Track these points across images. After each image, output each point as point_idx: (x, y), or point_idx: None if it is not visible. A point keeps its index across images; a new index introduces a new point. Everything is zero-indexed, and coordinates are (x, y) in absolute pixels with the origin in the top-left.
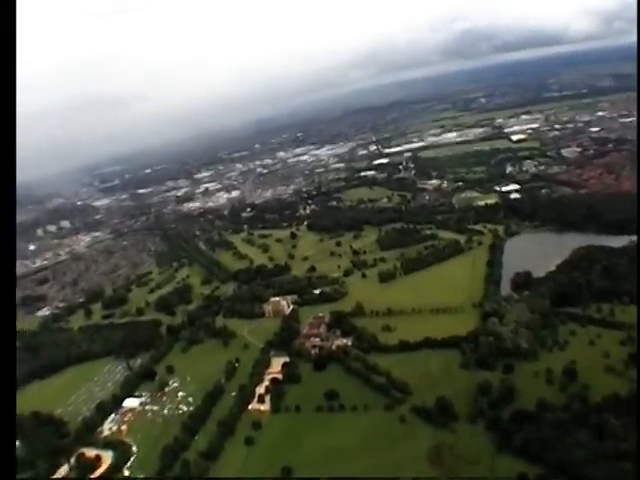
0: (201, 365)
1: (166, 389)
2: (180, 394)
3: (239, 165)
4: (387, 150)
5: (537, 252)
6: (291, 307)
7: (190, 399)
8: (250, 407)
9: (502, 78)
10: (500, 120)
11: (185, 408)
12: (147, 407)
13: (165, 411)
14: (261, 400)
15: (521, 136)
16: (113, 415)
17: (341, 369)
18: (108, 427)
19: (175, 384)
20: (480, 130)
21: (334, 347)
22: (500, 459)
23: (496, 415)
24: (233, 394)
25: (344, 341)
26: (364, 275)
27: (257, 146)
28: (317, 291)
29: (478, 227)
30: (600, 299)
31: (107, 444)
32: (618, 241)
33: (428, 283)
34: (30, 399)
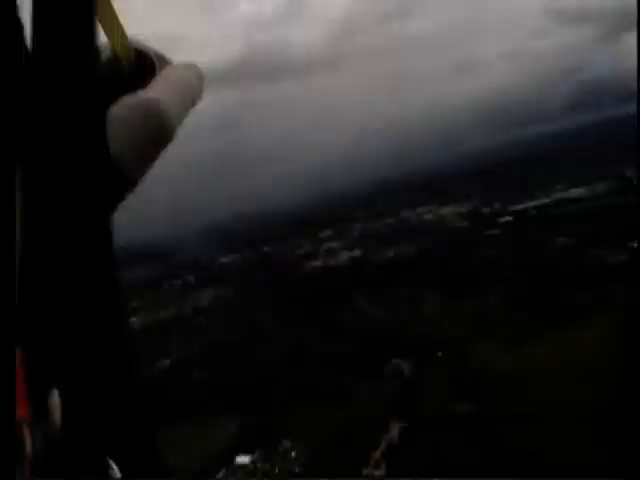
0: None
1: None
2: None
3: (361, 224)
4: (511, 208)
5: None
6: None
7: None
8: (365, 472)
9: (629, 129)
10: (629, 174)
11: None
12: (258, 464)
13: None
14: (377, 465)
15: None
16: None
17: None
18: None
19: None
20: (608, 185)
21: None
22: None
23: None
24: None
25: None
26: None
27: (380, 204)
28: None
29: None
30: None
31: None
32: None
33: (556, 349)
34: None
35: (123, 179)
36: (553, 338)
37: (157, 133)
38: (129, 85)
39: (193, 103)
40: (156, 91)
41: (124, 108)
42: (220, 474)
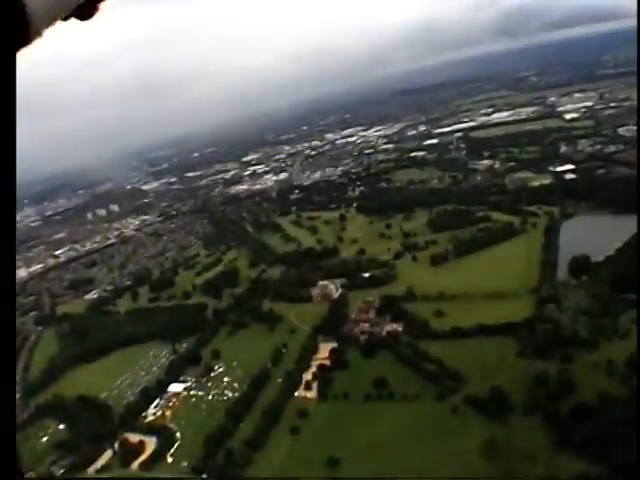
0: (247, 350)
1: (211, 374)
2: (225, 379)
3: (287, 147)
4: (437, 130)
5: (595, 235)
6: (340, 291)
7: (235, 385)
8: (296, 394)
9: (553, 56)
10: (552, 99)
11: (230, 394)
12: (192, 392)
13: (210, 397)
14: (308, 387)
15: (575, 115)
16: (158, 400)
17: (391, 356)
18: (152, 412)
19: (220, 369)
20: (532, 109)
21: (384, 333)
22: (558, 456)
23: (554, 408)
24: (279, 380)
25: (394, 327)
26: (415, 258)
27: (305, 128)
28: (366, 274)
29: (533, 209)
30: None
31: (151, 430)
32: None
33: (481, 267)
34: (76, 382)
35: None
36: (476, 258)
37: None
38: None
39: None
40: None
41: None
42: (155, 403)
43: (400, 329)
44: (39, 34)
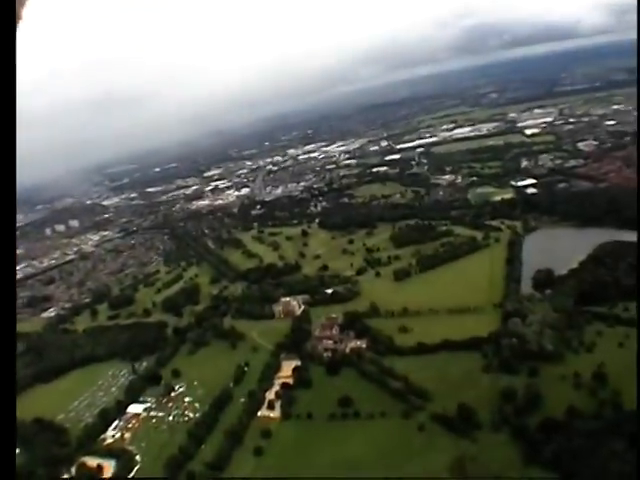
0: (208, 368)
1: (172, 394)
2: (186, 399)
3: (249, 163)
4: (399, 146)
5: (558, 248)
6: (302, 307)
7: (197, 405)
8: (259, 414)
9: (513, 73)
10: (513, 115)
11: (191, 414)
12: (152, 413)
13: (170, 417)
14: (271, 406)
15: (535, 130)
16: (117, 422)
17: (355, 373)
18: (111, 434)
19: (181, 389)
20: (493, 125)
21: (348, 350)
22: (529, 472)
23: (522, 423)
24: (242, 400)
25: (358, 343)
26: (378, 274)
27: (267, 144)
28: (329, 291)
29: (495, 223)
30: (627, 297)
31: (110, 453)
32: None
33: (445, 281)
34: (32, 404)
35: None
36: (440, 273)
37: None
38: None
39: None
40: None
41: None
42: (114, 425)
43: (364, 346)
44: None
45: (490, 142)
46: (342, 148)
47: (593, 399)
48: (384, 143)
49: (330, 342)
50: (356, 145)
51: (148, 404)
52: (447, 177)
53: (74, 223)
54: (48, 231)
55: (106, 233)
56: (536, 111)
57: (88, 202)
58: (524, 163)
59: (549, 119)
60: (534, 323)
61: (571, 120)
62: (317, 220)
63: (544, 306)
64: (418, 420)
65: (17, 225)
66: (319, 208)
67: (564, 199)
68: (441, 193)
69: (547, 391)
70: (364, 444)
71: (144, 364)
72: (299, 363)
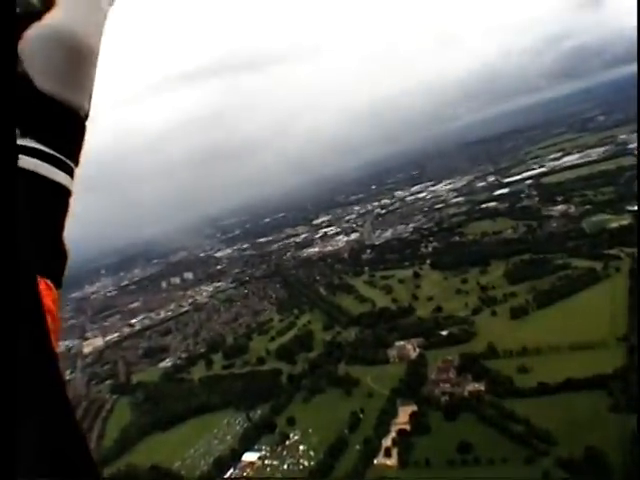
0: (323, 416)
1: (286, 442)
2: (301, 447)
3: (356, 207)
4: (506, 180)
5: None
6: (417, 351)
7: (311, 453)
8: (376, 462)
9: (618, 93)
10: (623, 136)
11: (306, 463)
12: (266, 462)
13: (285, 466)
14: (388, 454)
15: None
16: (232, 470)
17: (474, 417)
18: None
19: (296, 437)
20: (602, 149)
21: (466, 393)
22: None
23: None
24: (357, 447)
25: (476, 386)
26: (494, 312)
27: (373, 187)
28: (444, 332)
29: (614, 252)
30: None
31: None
32: None
33: (565, 317)
34: (149, 452)
35: (64, 110)
36: (558, 308)
37: (75, 52)
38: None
39: (110, 4)
40: (60, 10)
41: (34, 39)
42: (229, 473)
43: (482, 388)
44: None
45: (601, 167)
46: (449, 187)
47: None
48: (491, 178)
49: (447, 385)
50: (463, 182)
51: (263, 452)
52: (559, 207)
53: (188, 275)
54: (164, 284)
55: (219, 284)
56: None
57: (201, 254)
58: None
59: None
60: None
61: None
62: (428, 261)
63: None
64: (542, 466)
65: (135, 279)
66: (430, 249)
67: None
68: (554, 225)
69: None
70: None
71: (258, 412)
72: (416, 408)
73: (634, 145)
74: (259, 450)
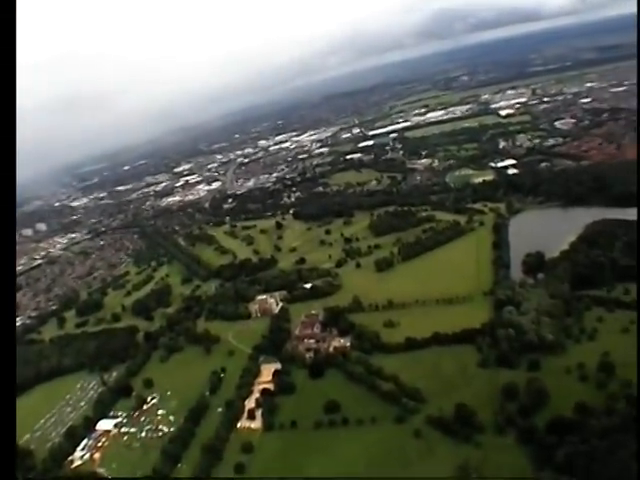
0: (182, 377)
1: (144, 407)
2: (160, 412)
3: (219, 156)
4: (372, 132)
5: (546, 230)
6: (280, 305)
7: (171, 418)
8: (239, 425)
9: (482, 56)
10: (485, 96)
11: (166, 429)
12: (123, 429)
13: (143, 433)
14: (251, 416)
15: (510, 111)
16: (86, 440)
17: (341, 375)
18: (80, 455)
19: (154, 400)
20: (466, 107)
21: (331, 349)
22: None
23: (529, 424)
24: (219, 410)
25: (342, 341)
26: (359, 264)
27: (237, 136)
28: (308, 285)
29: (478, 206)
30: (626, 279)
31: (78, 477)
32: (633, 213)
33: (430, 270)
34: None
35: None
36: (424, 261)
37: None
38: None
39: None
40: None
41: None
42: (83, 444)
43: (348, 344)
44: None
45: (465, 124)
46: (314, 137)
47: (602, 393)
48: (356, 130)
49: (312, 341)
50: (328, 133)
51: (119, 419)
52: (423, 161)
53: (42, 226)
54: (16, 236)
55: (74, 235)
56: (509, 92)
57: (56, 204)
58: (502, 144)
59: (523, 99)
60: (530, 311)
61: (545, 99)
62: (291, 211)
63: (538, 292)
64: (413, 425)
65: None
66: (293, 199)
67: (547, 179)
68: (418, 178)
69: (552, 386)
70: (356, 454)
71: (114, 374)
72: (279, 366)
73: (496, 105)
74: (115, 417)
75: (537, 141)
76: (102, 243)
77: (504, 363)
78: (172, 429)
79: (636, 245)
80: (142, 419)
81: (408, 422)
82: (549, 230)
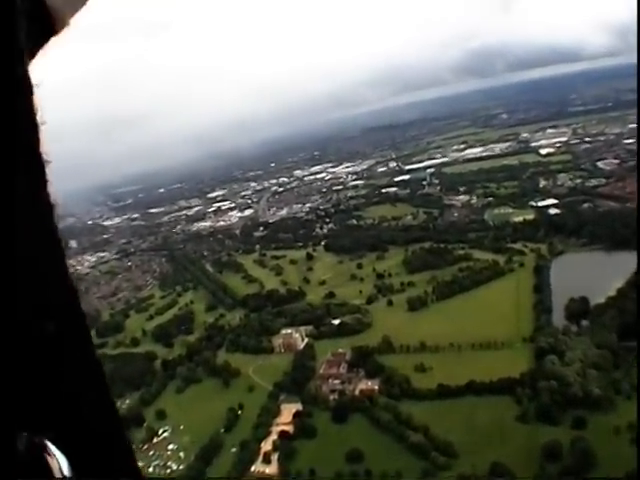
0: (197, 411)
1: (154, 440)
2: (170, 447)
3: (254, 184)
4: (408, 167)
5: (590, 274)
6: (305, 340)
7: (181, 454)
8: (253, 468)
9: (521, 95)
10: (525, 135)
11: (175, 466)
12: None
13: (151, 469)
14: (267, 460)
15: (550, 150)
16: None
17: (366, 421)
18: None
19: (165, 434)
20: (505, 145)
21: (357, 392)
22: None
23: None
24: (233, 450)
25: (369, 384)
26: (390, 302)
27: (273, 165)
28: (336, 321)
29: (518, 246)
30: None
31: None
32: None
33: (466, 311)
34: None
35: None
36: (460, 302)
37: None
38: None
39: None
40: None
41: None
42: None
43: (376, 387)
44: (65, 23)
45: (504, 162)
46: (349, 169)
47: None
48: (393, 164)
49: (337, 382)
50: (364, 166)
51: None
52: (461, 198)
53: (73, 243)
54: None
55: (103, 254)
56: (549, 131)
57: (89, 222)
58: (542, 183)
59: (563, 139)
60: (574, 362)
61: (587, 139)
62: (323, 243)
63: (583, 341)
64: None
65: None
66: (325, 230)
67: (590, 220)
68: (456, 214)
69: (599, 447)
70: None
71: (126, 402)
72: (301, 407)
73: (536, 143)
74: None
75: (579, 181)
76: (130, 264)
77: (545, 418)
78: (181, 467)
79: None
80: (151, 453)
81: (437, 479)
82: (594, 274)
